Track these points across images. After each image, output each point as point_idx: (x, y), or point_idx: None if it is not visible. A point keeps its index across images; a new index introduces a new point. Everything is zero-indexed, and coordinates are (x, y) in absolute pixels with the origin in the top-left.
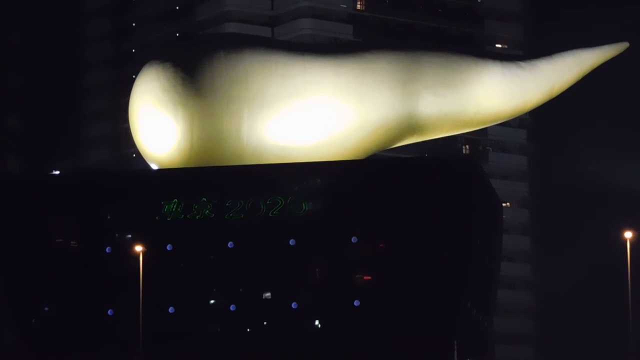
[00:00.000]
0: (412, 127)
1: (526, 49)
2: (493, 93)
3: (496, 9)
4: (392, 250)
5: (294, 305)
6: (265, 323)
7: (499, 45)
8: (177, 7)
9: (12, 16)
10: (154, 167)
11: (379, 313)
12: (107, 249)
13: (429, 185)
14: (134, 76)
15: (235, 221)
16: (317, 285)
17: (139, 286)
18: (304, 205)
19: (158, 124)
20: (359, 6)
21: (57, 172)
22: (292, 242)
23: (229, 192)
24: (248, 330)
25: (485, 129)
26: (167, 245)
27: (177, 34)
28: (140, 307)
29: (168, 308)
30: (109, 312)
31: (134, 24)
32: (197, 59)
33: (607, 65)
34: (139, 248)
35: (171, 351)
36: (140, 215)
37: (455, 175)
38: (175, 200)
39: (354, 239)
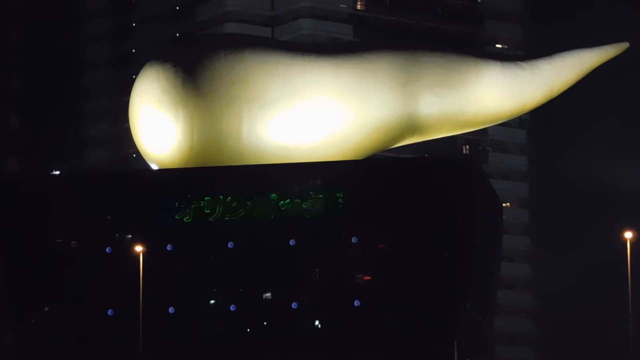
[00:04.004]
0: (412, 127)
1: (526, 49)
2: (493, 93)
3: (496, 9)
4: (392, 250)
5: (294, 305)
6: (265, 323)
7: (499, 45)
8: (177, 7)
9: (12, 16)
10: (154, 167)
11: (379, 313)
12: (107, 249)
13: (429, 185)
14: (134, 76)
15: (235, 221)
16: (317, 285)
17: (139, 286)
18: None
19: (158, 124)
20: (359, 6)
21: (57, 172)
22: (292, 242)
23: (229, 192)
24: (248, 330)
25: (485, 129)
26: (167, 245)
27: (177, 34)
28: (141, 307)
29: (168, 308)
30: (109, 312)
31: (134, 24)
32: (197, 60)
33: (607, 65)
34: (139, 248)
35: (171, 351)
36: (140, 215)
37: (455, 176)
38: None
39: (354, 239)
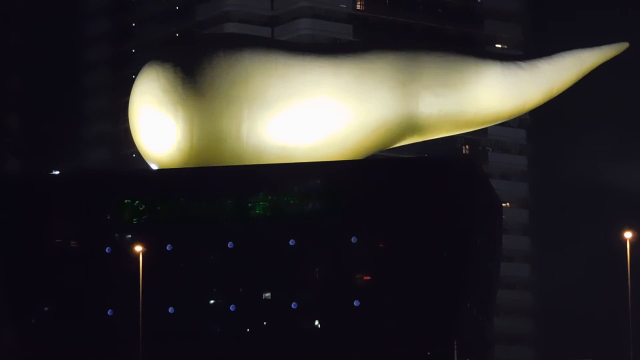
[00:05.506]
0: (412, 127)
1: (526, 49)
2: (493, 93)
3: (496, 9)
4: (392, 250)
5: (294, 305)
6: (265, 323)
7: (499, 45)
8: (177, 7)
9: (12, 16)
10: (154, 167)
11: (378, 313)
12: (107, 249)
13: (429, 185)
14: (134, 76)
15: (235, 221)
16: (317, 285)
17: (139, 286)
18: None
19: (158, 124)
20: (359, 6)
21: (57, 172)
22: (292, 242)
23: (229, 192)
24: (248, 330)
25: (485, 129)
26: (167, 245)
27: (177, 34)
28: (140, 307)
29: (168, 308)
30: (109, 312)
31: (134, 24)
32: (197, 59)
33: (607, 65)
34: (139, 248)
35: (171, 351)
36: (140, 215)
37: (455, 175)
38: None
39: (354, 239)
